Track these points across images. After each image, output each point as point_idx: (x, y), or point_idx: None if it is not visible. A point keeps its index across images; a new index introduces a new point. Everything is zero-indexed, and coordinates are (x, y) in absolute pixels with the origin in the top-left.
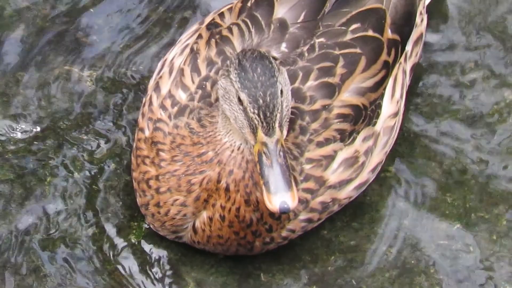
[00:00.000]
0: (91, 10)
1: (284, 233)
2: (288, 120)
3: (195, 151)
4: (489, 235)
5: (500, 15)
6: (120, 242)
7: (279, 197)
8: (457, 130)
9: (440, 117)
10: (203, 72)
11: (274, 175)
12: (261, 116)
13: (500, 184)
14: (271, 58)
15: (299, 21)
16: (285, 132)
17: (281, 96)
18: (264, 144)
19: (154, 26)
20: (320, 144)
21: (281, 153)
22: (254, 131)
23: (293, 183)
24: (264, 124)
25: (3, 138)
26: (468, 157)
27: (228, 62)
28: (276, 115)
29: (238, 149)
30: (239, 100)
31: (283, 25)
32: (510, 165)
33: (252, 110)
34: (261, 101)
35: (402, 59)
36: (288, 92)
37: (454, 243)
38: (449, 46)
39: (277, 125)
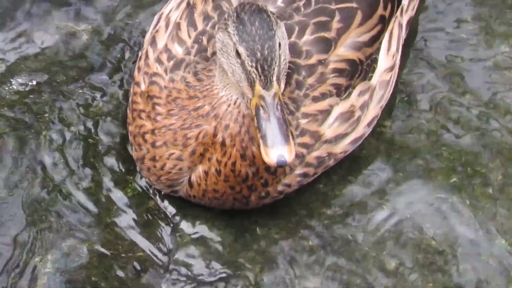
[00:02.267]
0: None
1: (279, 188)
2: (285, 74)
3: (191, 105)
4: (484, 189)
5: None
6: (115, 196)
7: (276, 150)
8: (453, 84)
9: (435, 70)
10: (200, 26)
11: (272, 128)
12: (259, 70)
13: (498, 138)
14: (269, 11)
15: None
16: (282, 86)
17: (279, 50)
18: (262, 97)
19: None
20: (316, 99)
21: (279, 107)
22: (251, 85)
23: (291, 137)
24: (262, 77)
25: None
26: (463, 113)
27: (226, 15)
28: (274, 69)
29: (235, 103)
30: (237, 53)
31: None
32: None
33: (250, 63)
34: (259, 54)
35: (398, 13)
36: (286, 46)
37: (444, 203)
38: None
39: (274, 78)
